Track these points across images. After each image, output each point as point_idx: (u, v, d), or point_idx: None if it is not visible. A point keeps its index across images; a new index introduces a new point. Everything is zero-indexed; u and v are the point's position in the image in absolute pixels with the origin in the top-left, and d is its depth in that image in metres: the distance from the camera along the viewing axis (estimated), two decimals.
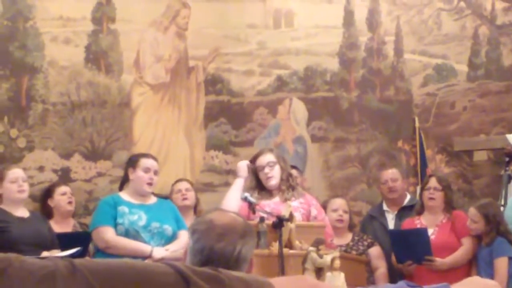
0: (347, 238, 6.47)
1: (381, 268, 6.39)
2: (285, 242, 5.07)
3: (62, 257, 1.94)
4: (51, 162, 7.66)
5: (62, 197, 6.49)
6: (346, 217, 6.47)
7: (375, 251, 6.43)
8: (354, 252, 6.32)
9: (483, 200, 6.57)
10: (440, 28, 8.38)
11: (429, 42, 8.36)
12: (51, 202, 6.48)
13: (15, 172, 5.68)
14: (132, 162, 5.79)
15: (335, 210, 6.46)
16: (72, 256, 5.64)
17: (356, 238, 6.48)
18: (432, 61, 8.30)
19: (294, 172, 6.58)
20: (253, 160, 5.88)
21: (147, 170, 5.69)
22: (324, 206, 6.38)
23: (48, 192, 6.59)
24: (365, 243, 6.45)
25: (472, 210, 6.15)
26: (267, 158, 5.79)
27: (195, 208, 6.67)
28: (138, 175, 5.68)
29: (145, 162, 5.72)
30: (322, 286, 2.83)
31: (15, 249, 5.16)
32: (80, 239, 5.68)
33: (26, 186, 5.69)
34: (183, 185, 6.59)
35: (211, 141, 7.96)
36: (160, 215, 5.65)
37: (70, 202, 6.48)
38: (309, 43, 8.24)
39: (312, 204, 5.86)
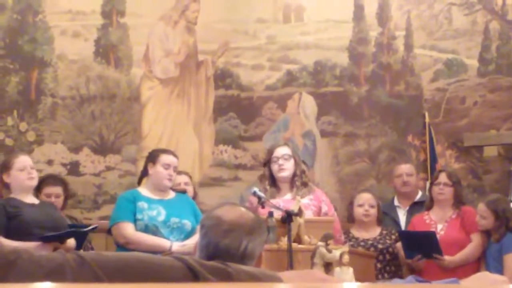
0: (375, 232, 6.45)
1: None
2: (294, 237, 5.07)
3: (71, 250, 1.93)
4: (60, 155, 7.67)
5: (46, 198, 6.24)
6: (372, 211, 6.43)
7: None
8: (380, 246, 6.31)
9: (492, 195, 6.55)
10: (451, 23, 8.34)
11: (439, 37, 8.33)
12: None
13: (23, 160, 5.63)
14: (153, 157, 5.77)
15: (361, 205, 6.44)
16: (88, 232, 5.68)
17: (384, 232, 6.47)
18: (443, 56, 8.27)
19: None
20: (269, 152, 5.91)
21: (167, 166, 5.69)
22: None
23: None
24: (393, 237, 6.42)
25: (481, 206, 6.13)
26: (284, 150, 5.85)
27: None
28: (158, 170, 5.68)
29: (165, 158, 5.72)
30: (331, 280, 2.82)
31: (29, 233, 5.20)
32: (71, 235, 5.67)
33: (35, 173, 5.66)
34: (182, 179, 6.52)
35: (220, 135, 7.96)
36: (179, 210, 5.65)
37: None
38: (319, 38, 8.22)
39: (322, 200, 5.87)
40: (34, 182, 5.68)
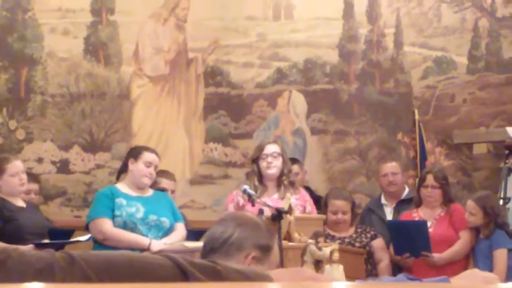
0: (351, 230, 6.46)
1: (385, 260, 6.38)
2: (284, 235, 5.08)
3: (60, 249, 1.93)
4: (50, 153, 7.66)
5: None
6: (345, 217, 6.40)
7: (378, 243, 6.41)
8: (357, 245, 6.30)
9: (481, 192, 6.57)
10: (440, 20, 8.36)
11: (429, 35, 8.34)
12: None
13: (15, 166, 5.65)
14: (134, 153, 5.74)
15: (334, 213, 6.43)
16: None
17: (359, 230, 6.47)
18: (432, 54, 8.29)
19: (295, 167, 6.59)
20: (258, 149, 5.90)
21: (148, 164, 5.66)
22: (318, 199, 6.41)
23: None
24: (368, 235, 6.43)
25: (470, 203, 6.15)
26: (273, 148, 5.84)
27: None
28: (139, 167, 5.65)
29: (147, 156, 5.69)
30: (320, 279, 2.82)
31: (21, 238, 5.21)
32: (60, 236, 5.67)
33: (25, 178, 5.69)
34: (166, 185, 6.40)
35: (210, 133, 7.95)
36: (157, 207, 5.63)
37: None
38: (309, 35, 8.22)
39: (306, 200, 5.91)
40: (25, 187, 5.72)
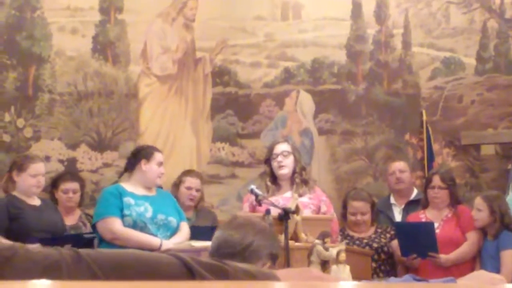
0: (370, 230, 6.45)
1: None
2: (291, 235, 5.07)
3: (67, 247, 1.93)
4: (57, 152, 7.67)
5: (63, 195, 6.50)
6: (365, 218, 6.40)
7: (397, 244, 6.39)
8: (375, 245, 6.30)
9: (491, 191, 6.57)
10: (449, 21, 8.35)
11: (437, 35, 8.33)
12: (56, 194, 6.50)
13: (37, 168, 5.69)
14: (147, 154, 5.69)
15: (353, 214, 6.43)
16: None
17: (379, 230, 6.46)
18: (440, 55, 8.27)
19: None
20: (269, 149, 5.90)
21: (160, 164, 5.67)
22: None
23: (55, 183, 6.59)
24: (388, 235, 6.42)
25: (478, 199, 6.16)
26: (283, 147, 5.82)
27: (196, 204, 6.67)
28: (153, 168, 5.63)
29: (159, 156, 5.69)
30: (327, 278, 2.82)
31: (28, 236, 5.20)
32: (73, 241, 5.68)
33: (43, 182, 5.72)
34: (194, 184, 6.57)
35: (218, 132, 7.95)
36: (164, 207, 5.61)
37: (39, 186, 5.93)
38: (317, 35, 8.22)
39: (322, 199, 5.85)
40: (40, 190, 5.76)
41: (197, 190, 6.62)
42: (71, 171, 7.15)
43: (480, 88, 8.20)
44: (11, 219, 5.43)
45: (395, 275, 6.17)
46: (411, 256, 6.14)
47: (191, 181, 6.63)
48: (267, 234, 2.60)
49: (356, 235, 6.36)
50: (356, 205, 6.45)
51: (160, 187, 5.96)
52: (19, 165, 5.66)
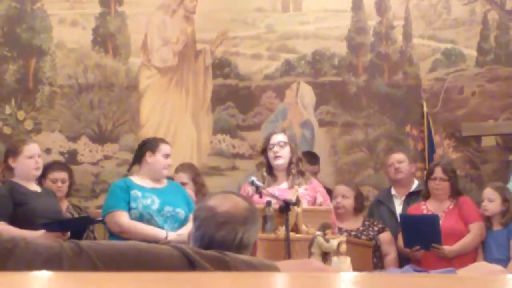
0: (357, 222, 6.44)
1: (392, 253, 6.36)
2: (292, 226, 5.07)
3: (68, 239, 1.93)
4: (58, 144, 7.67)
5: (52, 184, 6.22)
6: (345, 202, 6.39)
7: (385, 237, 6.39)
8: (364, 238, 6.28)
9: (496, 182, 6.59)
10: (449, 12, 8.33)
11: (438, 27, 8.32)
12: (44, 183, 6.14)
13: (32, 149, 5.62)
14: (152, 146, 5.69)
15: (335, 198, 6.42)
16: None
17: (366, 223, 6.45)
18: (441, 46, 8.26)
19: (306, 165, 6.57)
20: (265, 140, 5.90)
21: (166, 156, 5.67)
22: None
23: (43, 172, 6.04)
24: (376, 228, 6.41)
25: (489, 190, 6.18)
26: (279, 137, 5.81)
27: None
28: (158, 159, 5.63)
29: (165, 148, 5.68)
30: (328, 270, 2.82)
31: (33, 223, 5.20)
32: (78, 224, 5.68)
33: (41, 162, 5.67)
34: (182, 178, 6.42)
35: (218, 124, 7.95)
36: (172, 198, 5.62)
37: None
38: (318, 27, 8.21)
39: (318, 190, 5.85)
40: (39, 172, 5.69)
41: (184, 184, 6.40)
42: (59, 161, 7.05)
43: (481, 79, 8.19)
44: (16, 205, 5.41)
45: (382, 268, 6.18)
46: (414, 248, 6.14)
47: (180, 177, 6.48)
48: (250, 222, 2.58)
49: (344, 227, 6.34)
50: (338, 188, 6.49)
51: (170, 178, 5.95)
52: (13, 150, 5.62)
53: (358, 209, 6.49)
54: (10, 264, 1.80)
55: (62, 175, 6.42)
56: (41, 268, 1.77)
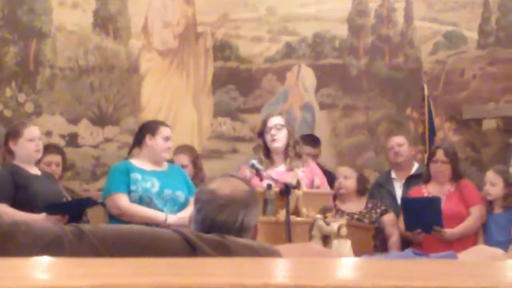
0: (360, 204, 6.43)
1: (395, 235, 6.35)
2: (292, 210, 5.07)
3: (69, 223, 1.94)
4: (58, 127, 7.67)
5: (46, 167, 6.14)
6: (347, 183, 6.39)
7: (389, 218, 6.37)
8: (366, 220, 6.29)
9: (499, 165, 6.59)
10: None
11: (439, 9, 8.29)
12: (38, 166, 5.93)
13: (32, 131, 5.61)
14: (152, 129, 5.68)
15: (336, 179, 6.44)
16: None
17: (369, 205, 6.45)
18: (442, 28, 8.24)
19: (308, 148, 6.59)
20: (262, 123, 5.89)
21: (166, 139, 5.66)
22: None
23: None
24: (379, 210, 6.41)
25: (491, 174, 6.17)
26: (276, 120, 5.80)
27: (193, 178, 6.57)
28: (158, 142, 5.62)
29: (165, 131, 5.67)
30: (328, 254, 2.83)
31: (34, 206, 5.20)
32: (79, 207, 5.68)
33: (41, 145, 5.66)
34: (183, 160, 6.42)
35: (219, 107, 7.94)
36: (172, 181, 5.62)
37: (38, 150, 5.67)
38: (318, 9, 8.19)
39: (316, 173, 5.86)
40: (40, 154, 5.68)
41: (184, 166, 6.41)
42: (53, 144, 7.01)
43: (482, 62, 8.18)
44: (17, 188, 5.41)
45: (385, 250, 6.18)
46: (416, 231, 6.14)
47: (181, 159, 6.47)
48: (251, 205, 2.59)
49: (346, 209, 6.33)
50: (340, 169, 6.52)
51: (171, 161, 5.95)
52: (13, 133, 5.61)
53: (360, 191, 6.48)
54: (11, 247, 1.80)
55: (56, 158, 6.42)
56: (42, 251, 1.78)
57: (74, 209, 5.53)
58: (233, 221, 2.51)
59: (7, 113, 7.60)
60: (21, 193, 5.40)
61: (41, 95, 7.68)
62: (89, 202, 5.72)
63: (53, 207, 5.33)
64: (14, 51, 7.67)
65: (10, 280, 0.97)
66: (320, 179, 5.84)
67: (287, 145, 5.78)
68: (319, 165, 6.72)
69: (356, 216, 6.26)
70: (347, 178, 6.42)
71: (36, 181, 5.50)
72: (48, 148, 6.47)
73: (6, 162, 5.60)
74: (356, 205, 6.41)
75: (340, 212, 6.18)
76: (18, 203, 5.30)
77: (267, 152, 5.81)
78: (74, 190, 6.76)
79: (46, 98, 7.69)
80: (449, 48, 8.20)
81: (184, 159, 6.39)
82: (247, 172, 5.65)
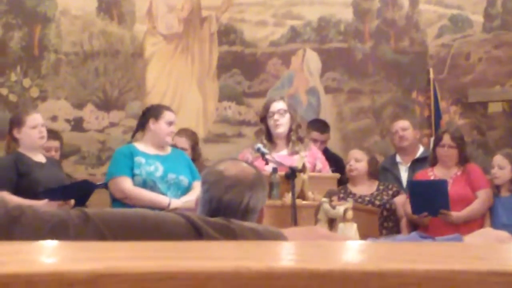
0: (372, 187, 6.44)
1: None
2: (298, 193, 5.08)
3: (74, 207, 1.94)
4: (63, 112, 7.68)
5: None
6: (358, 165, 6.39)
7: (401, 200, 6.39)
8: (377, 202, 6.30)
9: (506, 149, 6.59)
10: None
11: None
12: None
13: (35, 118, 5.63)
14: (156, 113, 5.68)
15: (348, 162, 6.45)
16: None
17: (381, 187, 6.46)
18: (448, 12, 8.21)
19: (315, 134, 6.60)
20: (265, 107, 5.88)
21: (170, 123, 5.65)
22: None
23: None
24: (390, 192, 6.42)
25: (498, 157, 6.18)
26: (279, 105, 5.79)
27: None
28: (161, 127, 5.62)
29: (169, 115, 5.66)
30: (334, 237, 2.83)
31: (36, 193, 5.22)
32: (80, 190, 5.68)
33: (45, 131, 5.67)
34: (182, 144, 6.41)
35: (224, 91, 7.94)
36: (175, 166, 5.63)
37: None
38: None
39: (317, 157, 5.87)
40: (44, 141, 5.69)
41: (184, 149, 6.39)
42: (52, 129, 6.99)
43: (487, 45, 8.15)
44: (20, 175, 5.43)
45: (398, 232, 6.19)
46: (422, 214, 6.15)
47: (181, 142, 6.47)
48: (257, 187, 2.60)
49: (358, 192, 6.36)
50: (352, 152, 6.53)
51: (173, 146, 5.95)
52: (16, 122, 5.62)
53: (372, 174, 6.50)
54: (17, 231, 1.80)
55: (55, 143, 6.43)
56: (47, 236, 1.78)
57: (75, 193, 5.52)
58: (239, 202, 2.52)
59: (13, 98, 7.60)
60: (23, 181, 5.42)
61: (46, 80, 7.68)
62: (86, 185, 5.71)
63: (50, 192, 5.33)
64: (19, 36, 7.67)
65: (15, 264, 0.97)
66: (322, 163, 5.84)
67: (290, 130, 5.78)
68: (328, 150, 6.73)
69: (367, 199, 6.28)
70: (358, 161, 6.43)
71: (38, 168, 5.51)
72: (47, 134, 6.47)
73: (11, 150, 5.62)
74: (367, 188, 6.42)
75: (351, 195, 6.19)
76: (21, 191, 5.32)
77: (270, 137, 5.81)
78: (71, 175, 6.73)
79: (51, 83, 7.69)
80: (454, 31, 8.17)
81: (185, 142, 6.39)
82: (249, 156, 5.65)
